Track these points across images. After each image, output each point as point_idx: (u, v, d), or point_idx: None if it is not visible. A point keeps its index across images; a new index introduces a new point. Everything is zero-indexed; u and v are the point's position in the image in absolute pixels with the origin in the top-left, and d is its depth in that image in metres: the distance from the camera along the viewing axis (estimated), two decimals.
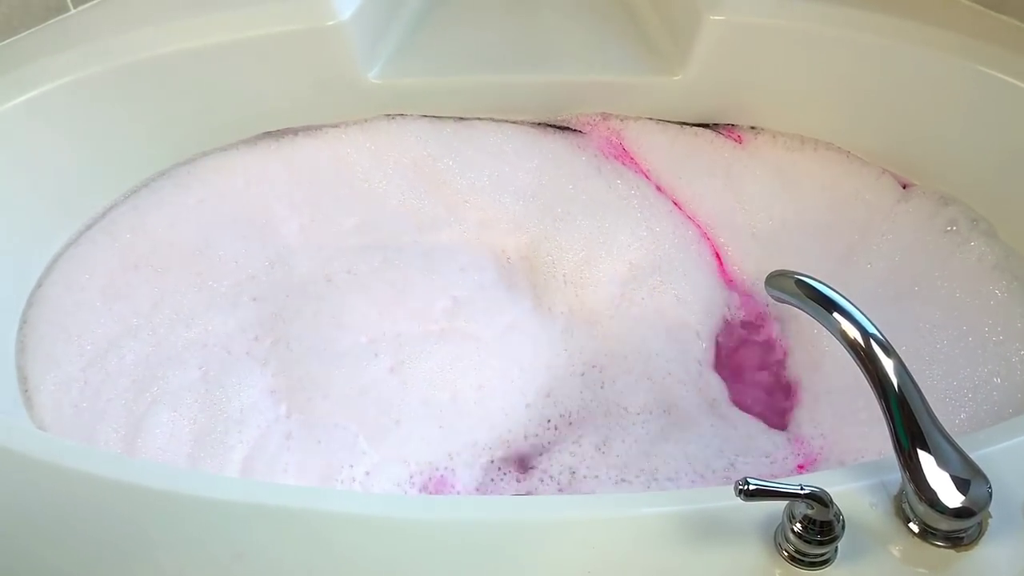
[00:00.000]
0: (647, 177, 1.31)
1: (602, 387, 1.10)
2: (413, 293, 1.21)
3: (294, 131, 1.34)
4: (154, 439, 1.04)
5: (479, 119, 1.36)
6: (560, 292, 1.21)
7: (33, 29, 1.19)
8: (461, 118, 1.36)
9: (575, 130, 1.36)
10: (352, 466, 1.02)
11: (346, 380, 1.12)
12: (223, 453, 1.03)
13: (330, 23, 1.24)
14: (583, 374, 1.12)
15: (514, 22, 1.42)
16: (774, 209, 1.27)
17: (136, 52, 1.18)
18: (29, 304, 1.13)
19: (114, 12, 1.23)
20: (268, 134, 1.34)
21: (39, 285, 1.15)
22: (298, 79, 1.28)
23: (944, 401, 0.98)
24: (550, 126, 1.36)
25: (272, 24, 1.23)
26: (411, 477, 1.03)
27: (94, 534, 0.66)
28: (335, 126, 1.35)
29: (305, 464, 1.03)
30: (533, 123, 1.36)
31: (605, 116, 1.35)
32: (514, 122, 1.36)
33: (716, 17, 1.23)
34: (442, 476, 1.02)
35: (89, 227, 1.22)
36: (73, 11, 1.22)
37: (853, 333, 0.62)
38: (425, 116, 1.36)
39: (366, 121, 1.35)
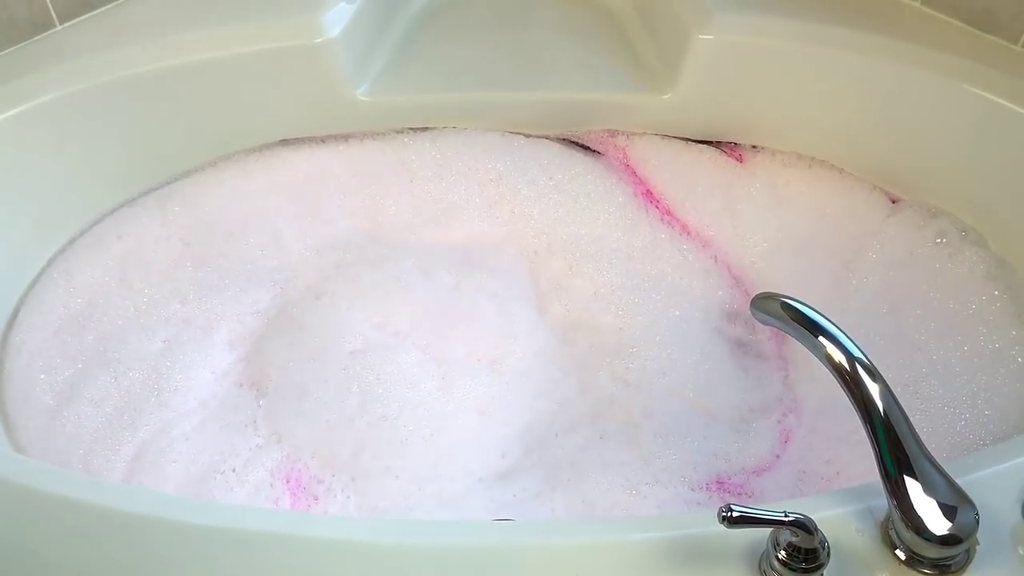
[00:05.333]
0: (669, 213, 1.31)
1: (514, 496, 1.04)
2: (448, 312, 1.21)
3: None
4: (79, 403, 1.06)
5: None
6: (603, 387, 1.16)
7: (19, 45, 1.19)
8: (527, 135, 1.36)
9: (593, 150, 1.35)
10: (237, 455, 1.04)
11: (301, 355, 1.14)
12: (127, 435, 1.05)
13: (318, 40, 1.23)
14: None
15: (503, 40, 1.42)
16: (770, 228, 1.27)
17: (123, 68, 1.18)
18: (60, 251, 1.18)
19: (100, 29, 1.23)
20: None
21: (79, 235, 1.20)
22: (285, 96, 1.28)
23: (943, 410, 0.98)
24: (572, 142, 1.36)
25: (259, 41, 1.22)
26: (280, 461, 1.04)
27: (72, 560, 0.65)
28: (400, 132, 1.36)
29: (195, 457, 1.04)
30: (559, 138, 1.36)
31: (612, 133, 1.35)
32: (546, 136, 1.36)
33: (705, 36, 1.23)
34: (299, 477, 1.03)
35: (144, 194, 1.26)
36: (59, 27, 1.22)
37: (838, 357, 0.62)
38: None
39: (441, 129, 1.35)
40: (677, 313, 1.20)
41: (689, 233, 1.29)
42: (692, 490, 1.00)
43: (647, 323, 1.19)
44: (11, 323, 1.11)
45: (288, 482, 1.03)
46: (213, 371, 1.14)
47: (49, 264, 1.17)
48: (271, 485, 1.02)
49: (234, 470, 1.03)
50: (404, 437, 1.07)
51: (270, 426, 1.09)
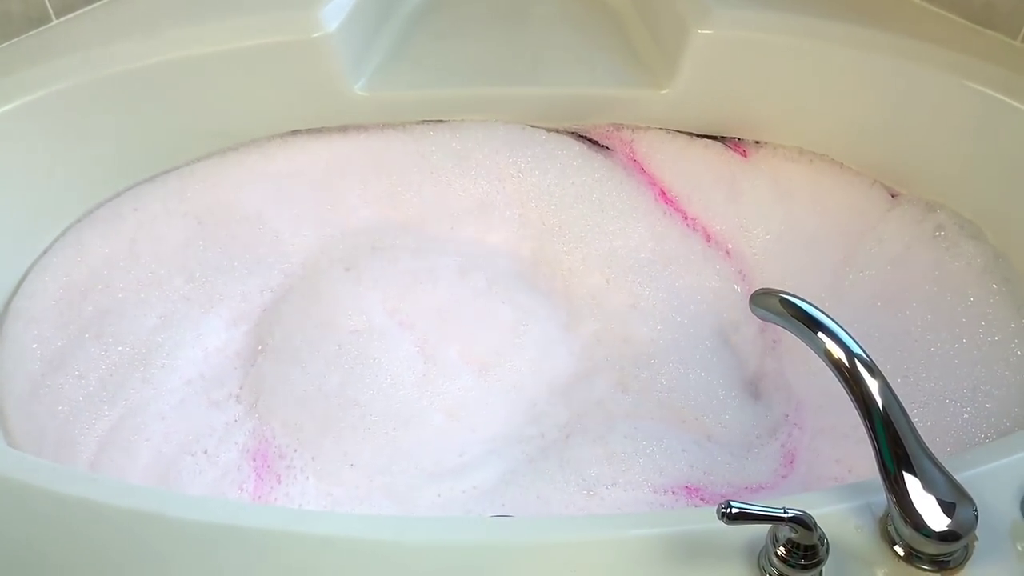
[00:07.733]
0: (686, 216, 1.30)
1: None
2: (464, 313, 1.20)
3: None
4: (64, 374, 1.05)
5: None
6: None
7: (14, 40, 1.18)
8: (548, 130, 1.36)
9: (601, 144, 1.35)
10: (210, 434, 1.04)
11: (308, 321, 1.14)
12: (105, 409, 1.04)
13: (316, 35, 1.23)
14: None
15: (501, 35, 1.42)
16: (772, 222, 1.27)
17: (120, 63, 1.17)
18: (76, 221, 1.20)
19: (97, 23, 1.22)
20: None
21: (97, 207, 1.22)
22: (284, 91, 1.27)
23: (945, 403, 0.98)
24: (581, 136, 1.36)
25: (257, 36, 1.22)
26: (251, 432, 1.04)
27: (62, 555, 0.65)
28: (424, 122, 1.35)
29: (168, 437, 1.03)
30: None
31: (617, 127, 1.34)
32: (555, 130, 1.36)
33: (704, 31, 1.23)
34: (265, 451, 1.03)
35: (171, 170, 1.27)
36: (55, 22, 1.22)
37: (838, 353, 0.62)
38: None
39: (460, 121, 1.34)
40: (689, 322, 1.20)
41: (710, 239, 1.28)
42: (654, 493, 0.99)
43: (676, 338, 1.18)
44: (16, 289, 1.12)
45: (255, 459, 1.03)
46: (204, 349, 1.14)
47: (64, 233, 1.18)
48: (239, 468, 1.02)
49: (205, 451, 1.03)
50: (368, 426, 1.06)
51: (253, 386, 1.09)
